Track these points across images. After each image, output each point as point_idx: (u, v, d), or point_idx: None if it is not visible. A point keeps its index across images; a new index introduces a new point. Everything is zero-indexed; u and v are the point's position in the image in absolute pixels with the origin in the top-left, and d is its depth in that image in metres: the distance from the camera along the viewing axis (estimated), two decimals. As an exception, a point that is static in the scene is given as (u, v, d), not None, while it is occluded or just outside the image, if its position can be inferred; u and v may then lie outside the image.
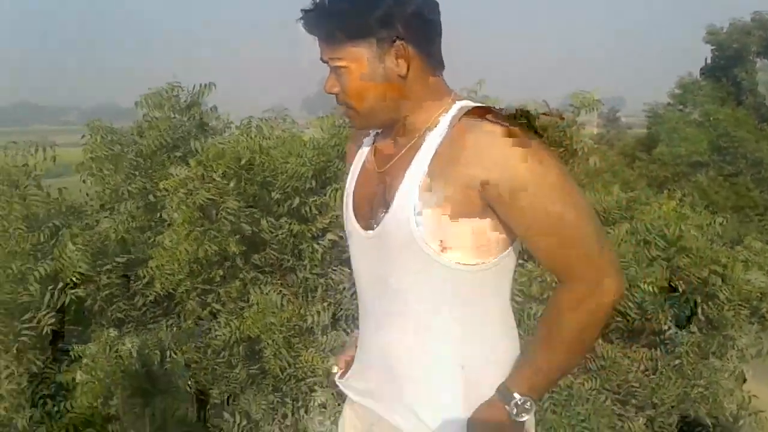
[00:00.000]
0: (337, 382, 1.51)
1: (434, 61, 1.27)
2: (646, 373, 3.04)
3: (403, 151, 1.27)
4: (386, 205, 1.25)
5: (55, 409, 2.90)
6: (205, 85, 3.26)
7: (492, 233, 1.23)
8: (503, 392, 1.25)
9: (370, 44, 1.22)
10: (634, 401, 3.04)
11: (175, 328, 2.84)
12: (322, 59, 1.28)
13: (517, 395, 1.23)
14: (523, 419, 1.24)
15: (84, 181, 3.56)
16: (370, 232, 1.29)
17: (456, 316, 1.27)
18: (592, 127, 19.83)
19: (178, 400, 2.81)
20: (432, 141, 1.24)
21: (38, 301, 2.94)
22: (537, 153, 1.17)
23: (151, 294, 2.97)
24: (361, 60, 1.23)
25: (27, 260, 2.99)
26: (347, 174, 1.43)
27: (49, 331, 2.92)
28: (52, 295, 2.95)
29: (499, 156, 1.17)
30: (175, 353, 2.66)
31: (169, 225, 2.84)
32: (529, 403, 1.23)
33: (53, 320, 2.92)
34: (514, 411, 1.23)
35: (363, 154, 1.40)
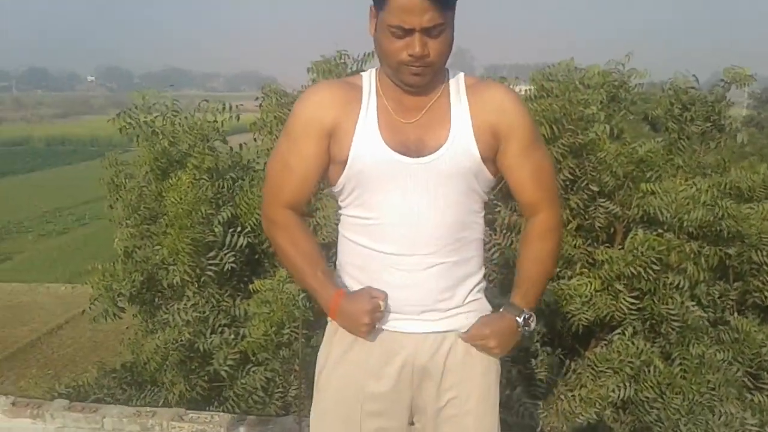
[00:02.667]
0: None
1: None
2: (781, 349, 3.07)
3: (430, 104, 1.51)
4: (437, 140, 1.48)
5: (231, 336, 3.33)
6: (369, 54, 3.56)
7: (497, 168, 1.57)
8: (511, 308, 1.62)
9: (453, 9, 1.44)
10: (766, 375, 3.09)
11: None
12: (403, 27, 1.37)
13: (525, 310, 1.61)
14: (530, 330, 1.63)
15: (255, 139, 4.00)
16: (423, 158, 1.47)
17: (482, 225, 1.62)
18: (741, 107, 18.63)
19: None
20: (459, 96, 1.52)
21: (220, 242, 3.39)
22: (525, 109, 1.58)
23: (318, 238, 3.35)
24: (451, 23, 1.43)
25: (211, 206, 3.43)
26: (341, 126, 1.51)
27: (228, 268, 3.36)
28: (232, 238, 3.39)
29: (508, 106, 1.53)
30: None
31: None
32: (532, 318, 1.62)
33: (233, 259, 3.35)
34: (522, 323, 1.60)
35: (369, 110, 1.51)
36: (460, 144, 1.48)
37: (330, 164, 1.56)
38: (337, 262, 1.66)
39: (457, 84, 1.54)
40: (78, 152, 34.89)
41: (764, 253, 3.14)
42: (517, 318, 1.60)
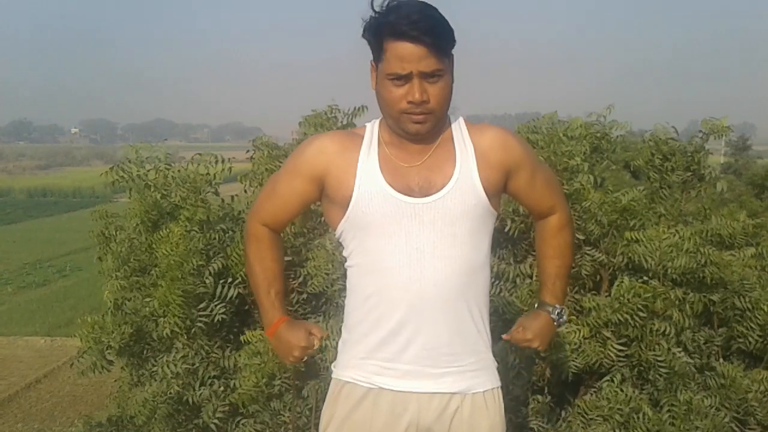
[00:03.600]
0: (354, 379, 1.63)
1: None
2: (766, 394, 3.11)
3: (433, 149, 1.56)
4: (443, 179, 1.53)
5: (221, 388, 3.31)
6: (359, 108, 3.65)
7: (499, 201, 1.67)
8: (544, 305, 1.76)
9: (451, 56, 1.50)
10: (753, 420, 3.12)
11: (326, 322, 3.19)
12: (400, 73, 1.42)
13: (557, 305, 1.75)
14: (564, 321, 1.77)
15: (245, 191, 4.05)
16: (428, 197, 1.51)
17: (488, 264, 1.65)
18: (719, 155, 19.04)
19: (329, 385, 3.18)
20: (462, 138, 1.59)
21: (211, 293, 3.41)
22: (523, 140, 1.72)
23: (305, 291, 3.37)
24: (449, 69, 1.49)
25: (202, 258, 3.45)
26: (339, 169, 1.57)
27: (219, 319, 3.36)
28: (222, 289, 3.40)
29: (512, 143, 1.61)
30: (330, 343, 3.00)
31: (327, 229, 3.24)
32: (564, 310, 1.76)
33: (223, 310, 3.36)
34: (556, 317, 1.74)
35: (370, 155, 1.55)
36: (466, 181, 1.53)
37: (330, 208, 1.61)
38: (344, 315, 1.69)
39: (459, 127, 1.60)
40: (60, 204, 34.66)
41: (747, 299, 3.21)
42: (551, 315, 1.74)
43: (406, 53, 1.40)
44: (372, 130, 1.60)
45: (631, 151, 6.07)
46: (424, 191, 1.52)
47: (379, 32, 1.43)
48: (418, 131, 1.51)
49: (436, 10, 1.43)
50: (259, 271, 1.71)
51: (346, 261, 1.63)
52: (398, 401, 1.58)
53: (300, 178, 1.61)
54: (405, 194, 1.51)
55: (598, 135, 3.83)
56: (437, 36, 1.41)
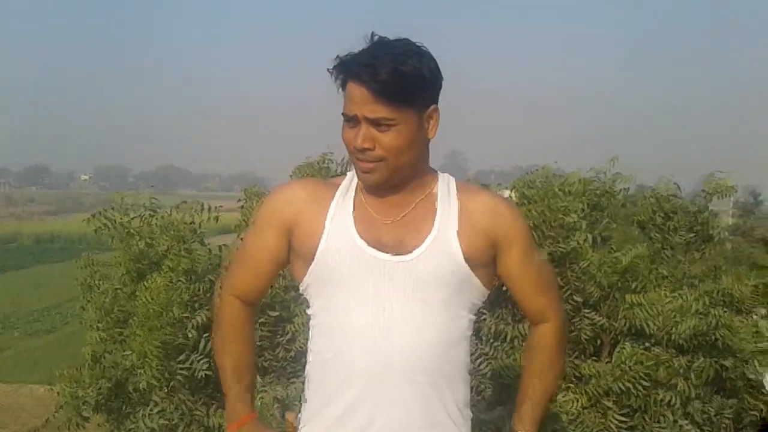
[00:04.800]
0: None
1: None
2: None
3: (413, 206, 1.43)
4: (417, 239, 1.38)
5: (203, 449, 3.14)
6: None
7: (491, 278, 1.48)
8: None
9: (420, 108, 1.36)
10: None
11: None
12: (347, 114, 1.35)
13: None
14: None
15: (240, 239, 3.95)
16: (399, 257, 1.37)
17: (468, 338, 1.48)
18: (727, 217, 18.87)
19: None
20: (448, 196, 1.45)
21: (193, 347, 3.26)
22: (521, 214, 1.56)
23: (293, 348, 3.22)
24: (410, 121, 1.34)
25: (186, 309, 3.33)
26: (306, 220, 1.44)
27: (203, 376, 3.20)
28: (206, 343, 3.26)
29: (504, 211, 1.45)
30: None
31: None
32: None
33: (206, 366, 3.20)
34: None
35: (345, 203, 1.44)
36: (441, 245, 1.38)
37: (295, 261, 1.48)
38: (305, 381, 1.55)
39: (446, 186, 1.46)
40: (67, 249, 34.69)
41: (757, 369, 3.04)
42: None
43: (353, 95, 1.33)
44: (352, 177, 1.48)
45: (638, 206, 5.94)
46: (396, 249, 1.38)
47: (339, 70, 1.36)
48: (367, 180, 1.40)
49: (413, 57, 1.32)
50: (228, 361, 1.54)
51: (310, 320, 1.50)
52: None
53: (269, 230, 1.47)
54: (376, 249, 1.38)
55: (598, 192, 3.70)
56: (389, 83, 1.30)
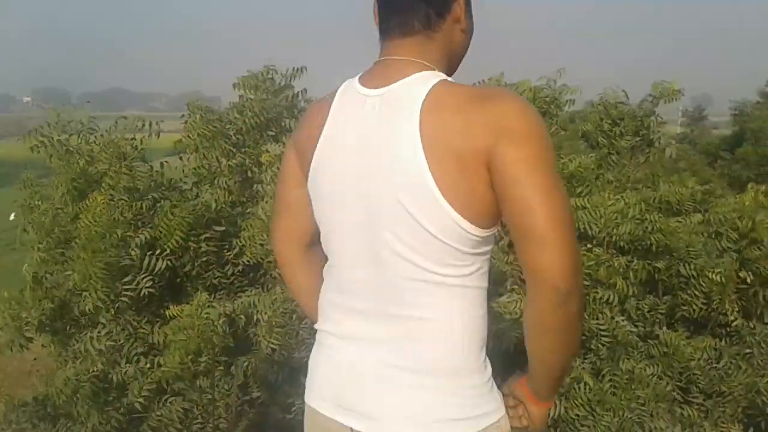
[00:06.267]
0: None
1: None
2: (710, 362, 3.07)
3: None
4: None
5: (148, 366, 3.14)
6: (298, 69, 3.47)
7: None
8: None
9: None
10: (696, 389, 3.08)
11: (261, 295, 3.03)
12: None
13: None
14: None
15: (180, 158, 3.84)
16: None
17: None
18: (675, 126, 19.22)
19: (260, 360, 3.04)
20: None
21: (137, 266, 3.21)
22: None
23: (240, 263, 3.21)
24: None
25: (129, 228, 3.25)
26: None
27: (146, 293, 3.17)
28: (150, 261, 3.21)
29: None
30: (261, 317, 2.86)
31: (262, 198, 3.07)
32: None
33: (150, 284, 3.16)
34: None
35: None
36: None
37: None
38: None
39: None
40: (11, 174, 33.60)
41: (692, 266, 3.15)
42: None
43: None
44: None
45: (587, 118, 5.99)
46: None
47: None
48: None
49: None
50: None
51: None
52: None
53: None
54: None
55: (548, 99, 3.70)
56: None
